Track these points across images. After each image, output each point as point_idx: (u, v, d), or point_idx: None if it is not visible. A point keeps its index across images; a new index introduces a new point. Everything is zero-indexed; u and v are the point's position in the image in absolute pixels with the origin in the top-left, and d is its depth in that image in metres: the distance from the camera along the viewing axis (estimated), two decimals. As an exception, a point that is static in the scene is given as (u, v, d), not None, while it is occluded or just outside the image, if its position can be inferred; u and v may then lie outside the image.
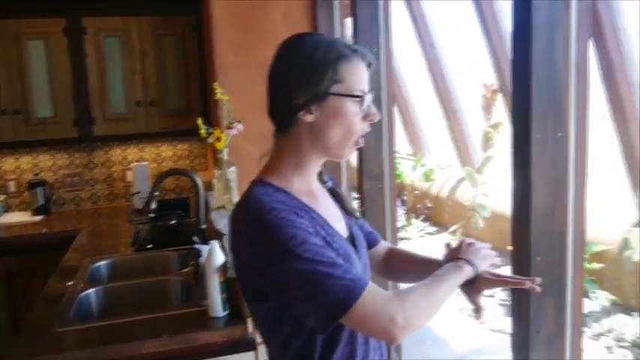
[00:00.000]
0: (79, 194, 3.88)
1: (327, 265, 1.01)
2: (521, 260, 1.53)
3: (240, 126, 2.65)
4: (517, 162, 1.52)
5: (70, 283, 2.25)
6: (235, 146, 2.77)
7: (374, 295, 1.01)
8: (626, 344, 3.53)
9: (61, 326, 1.86)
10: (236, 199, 2.68)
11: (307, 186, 1.18)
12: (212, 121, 3.12)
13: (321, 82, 1.09)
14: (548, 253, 1.51)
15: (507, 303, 4.18)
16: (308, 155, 1.15)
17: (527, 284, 1.20)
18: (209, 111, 3.45)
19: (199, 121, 2.60)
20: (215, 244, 1.81)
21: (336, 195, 1.28)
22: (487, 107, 5.31)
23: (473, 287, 1.21)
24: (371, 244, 1.38)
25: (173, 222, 3.04)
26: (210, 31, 3.05)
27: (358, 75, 1.12)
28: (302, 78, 1.10)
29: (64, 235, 3.24)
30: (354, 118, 1.12)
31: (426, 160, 6.92)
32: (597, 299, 3.96)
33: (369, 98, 1.14)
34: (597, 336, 3.66)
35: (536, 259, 1.50)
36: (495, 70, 4.88)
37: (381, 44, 2.57)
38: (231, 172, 2.68)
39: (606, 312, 3.83)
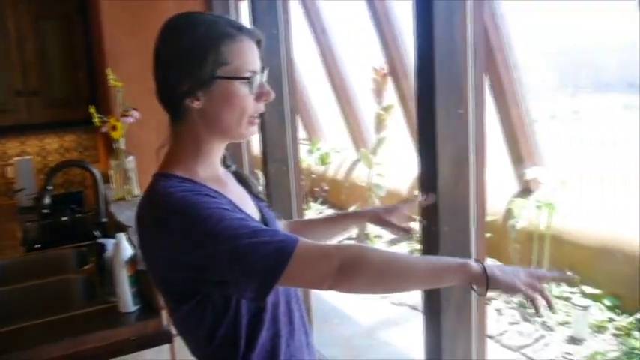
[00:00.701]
0: (-49, 195, 3.53)
1: (251, 235, 0.96)
2: (429, 230, 1.61)
3: (136, 113, 2.54)
4: (423, 137, 1.59)
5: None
6: (131, 135, 2.66)
7: (307, 246, 0.98)
8: (514, 305, 3.85)
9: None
10: (136, 190, 2.58)
11: (213, 172, 1.13)
12: (103, 109, 2.96)
13: (204, 66, 1.02)
14: (454, 223, 1.60)
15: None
16: (207, 141, 1.10)
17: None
18: (100, 99, 3.26)
19: (92, 109, 2.46)
20: (122, 237, 1.73)
21: (241, 179, 1.24)
22: (378, 91, 5.48)
23: (381, 222, 1.35)
24: None
25: (66, 218, 2.86)
26: (98, 15, 2.88)
27: (245, 54, 1.05)
28: (184, 63, 1.03)
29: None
30: (246, 100, 1.06)
31: (321, 145, 7.03)
32: (486, 266, 4.27)
33: (260, 77, 1.08)
34: (488, 300, 3.95)
35: (443, 229, 1.59)
36: (385, 54, 5.04)
37: (281, 27, 2.57)
38: (130, 162, 2.58)
39: (494, 278, 4.13)
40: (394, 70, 5.02)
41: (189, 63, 1.03)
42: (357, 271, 0.97)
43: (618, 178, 3.95)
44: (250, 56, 1.07)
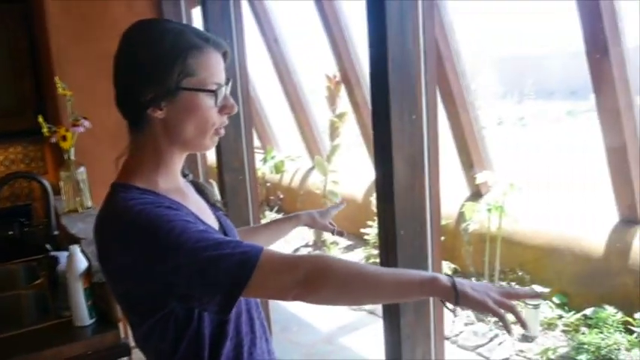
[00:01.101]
0: None
1: (212, 247, 0.94)
2: (387, 234, 1.64)
3: (87, 123, 2.48)
4: (378, 142, 1.62)
5: None
6: (81, 145, 2.59)
7: (271, 257, 0.96)
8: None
9: None
10: (89, 201, 2.52)
11: (174, 183, 1.11)
12: (52, 119, 2.88)
13: (169, 76, 0.99)
14: (411, 227, 1.64)
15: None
16: (168, 152, 1.07)
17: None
18: (48, 109, 3.16)
19: (41, 119, 2.39)
20: (76, 249, 1.69)
21: (199, 188, 1.23)
22: (331, 98, 5.52)
23: (317, 225, 1.47)
24: None
25: (13, 232, 2.76)
26: (43, 22, 2.80)
27: (212, 67, 1.03)
28: (148, 72, 1.00)
29: None
30: (210, 112, 1.04)
31: (275, 153, 7.03)
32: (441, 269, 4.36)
33: (225, 90, 1.06)
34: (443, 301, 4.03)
35: (400, 232, 1.62)
36: (337, 62, 5.10)
37: (234, 36, 2.56)
38: (81, 172, 2.51)
39: (449, 280, 4.22)
40: (347, 78, 5.07)
41: (155, 72, 1.00)
42: (322, 282, 0.95)
43: (563, 182, 4.11)
44: (217, 69, 1.05)
